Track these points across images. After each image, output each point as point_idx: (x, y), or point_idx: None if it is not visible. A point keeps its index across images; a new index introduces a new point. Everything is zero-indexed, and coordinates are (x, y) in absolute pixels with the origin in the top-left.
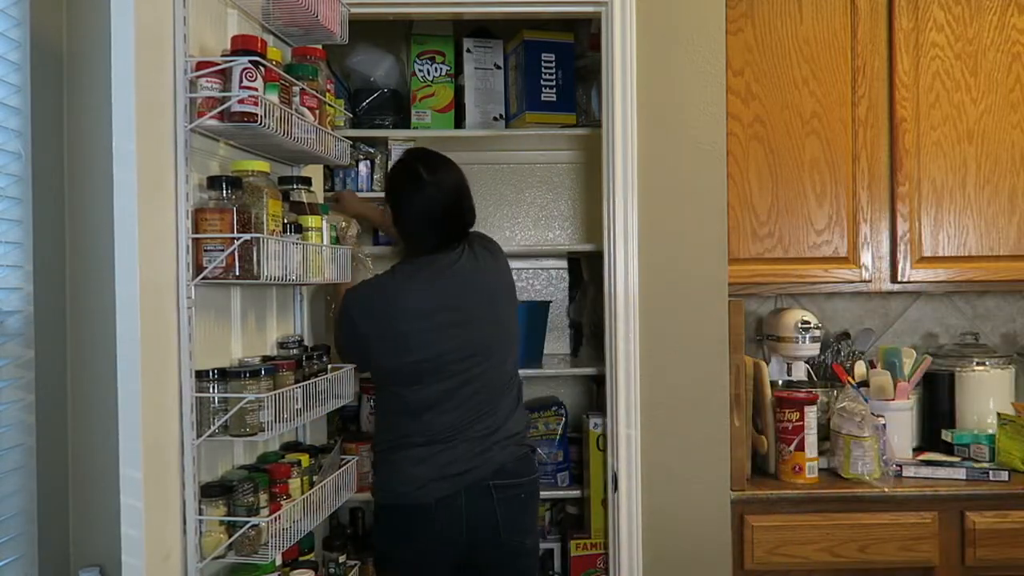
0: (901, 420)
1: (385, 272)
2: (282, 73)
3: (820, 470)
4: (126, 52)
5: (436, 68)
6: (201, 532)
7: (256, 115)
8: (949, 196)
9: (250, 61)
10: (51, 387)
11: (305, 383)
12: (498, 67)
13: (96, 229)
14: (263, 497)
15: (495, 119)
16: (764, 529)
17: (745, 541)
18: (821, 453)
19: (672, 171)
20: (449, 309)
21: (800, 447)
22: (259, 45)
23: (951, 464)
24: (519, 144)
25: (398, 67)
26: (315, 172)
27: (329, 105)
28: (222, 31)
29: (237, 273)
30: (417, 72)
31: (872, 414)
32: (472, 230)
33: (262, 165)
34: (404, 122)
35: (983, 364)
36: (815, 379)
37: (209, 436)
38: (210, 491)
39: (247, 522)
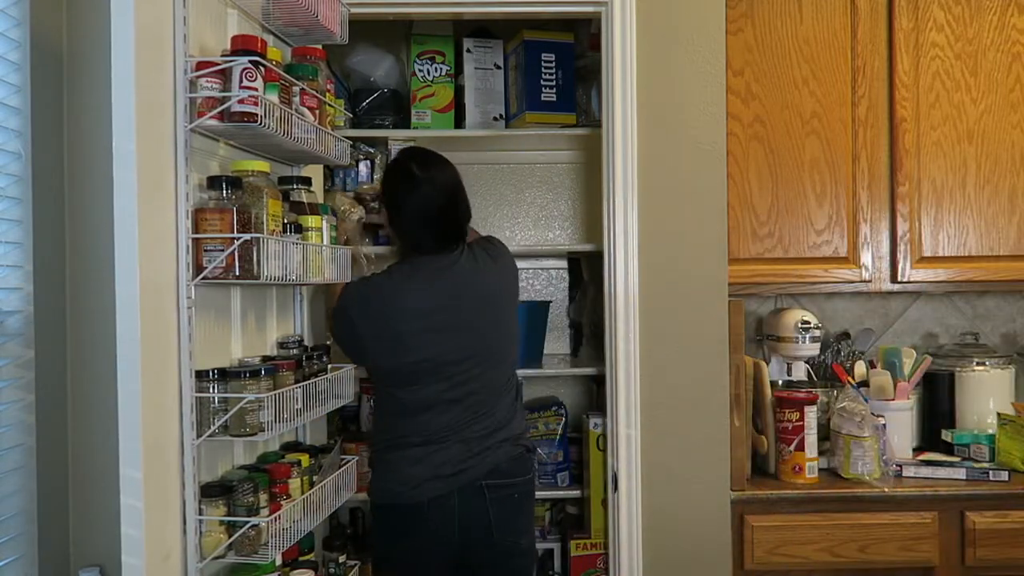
0: (901, 420)
1: (382, 272)
2: (282, 73)
3: (820, 470)
4: (126, 52)
5: (436, 68)
6: (201, 532)
7: (256, 115)
8: (949, 196)
9: (250, 61)
10: (51, 387)
11: (305, 383)
12: (498, 67)
13: (96, 229)
14: (263, 497)
15: (495, 119)
16: (764, 529)
17: (745, 541)
18: (821, 453)
19: (672, 171)
20: (446, 310)
21: (800, 447)
22: (259, 45)
23: (951, 464)
24: (519, 144)
25: (398, 67)
26: (315, 172)
27: (329, 105)
28: (222, 31)
29: (237, 273)
30: (417, 72)
31: (872, 414)
32: (482, 236)
33: (262, 165)
34: (404, 122)
35: (983, 364)
36: (815, 379)
37: (209, 436)
38: (210, 491)
39: (247, 522)
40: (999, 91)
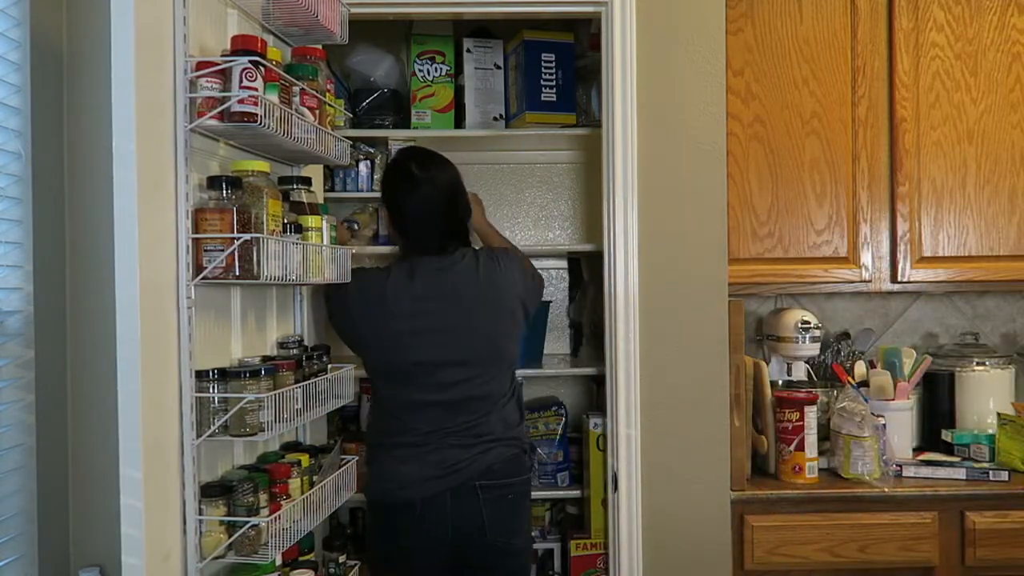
0: (901, 420)
1: (383, 268)
2: (282, 73)
3: (820, 470)
4: (126, 52)
5: (436, 68)
6: (201, 532)
7: (256, 115)
8: (949, 196)
9: (250, 61)
10: (51, 387)
11: (305, 383)
12: (498, 67)
13: (96, 229)
14: (263, 497)
15: (495, 119)
16: (764, 529)
17: (745, 541)
18: (821, 453)
19: (672, 171)
20: (443, 311)
21: (800, 447)
22: (259, 45)
23: (951, 464)
24: (519, 144)
25: (398, 67)
26: (315, 172)
27: (329, 105)
28: (222, 31)
29: (237, 273)
30: (417, 72)
31: (872, 414)
32: (502, 247)
33: (262, 165)
34: (404, 122)
35: (983, 364)
36: (815, 379)
37: (209, 436)
38: (210, 491)
39: (247, 522)
40: (999, 91)
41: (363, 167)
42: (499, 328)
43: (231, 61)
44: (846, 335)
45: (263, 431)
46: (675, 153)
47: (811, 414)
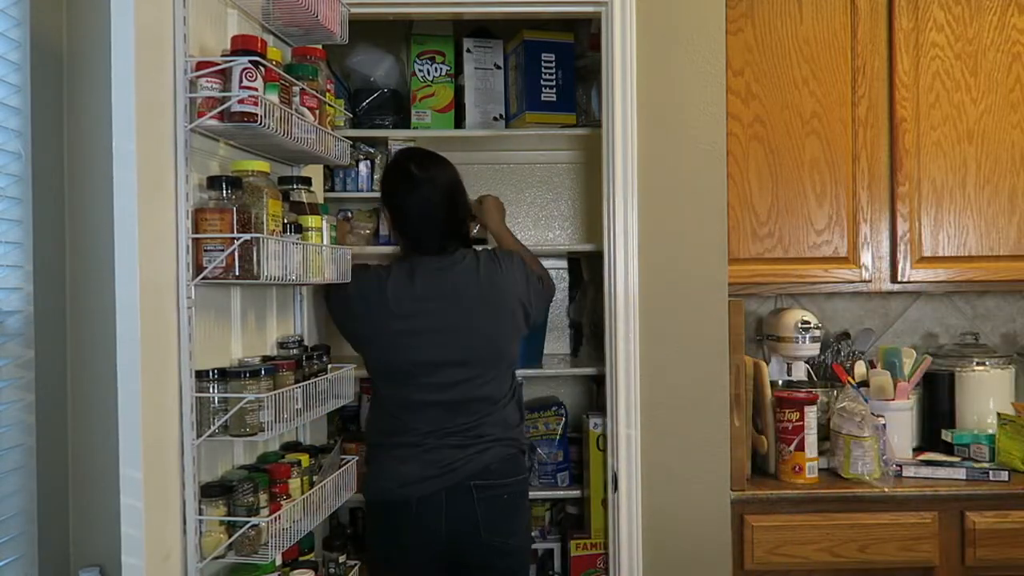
0: (901, 420)
1: (384, 266)
2: (282, 73)
3: (820, 470)
4: (126, 52)
5: (436, 68)
6: (201, 532)
7: (256, 115)
8: (949, 196)
9: (250, 61)
10: (51, 387)
11: (305, 383)
12: (498, 67)
13: (96, 229)
14: (263, 497)
15: (495, 119)
16: (764, 529)
17: (745, 541)
18: (821, 453)
19: (672, 171)
20: (441, 312)
21: (800, 447)
22: (259, 45)
23: (951, 464)
24: (519, 144)
25: (398, 67)
26: (315, 172)
27: (329, 105)
28: (222, 31)
29: (237, 273)
30: (417, 72)
31: (872, 414)
32: (504, 249)
33: (262, 165)
34: (404, 122)
35: (983, 364)
36: (815, 379)
37: (209, 436)
38: (210, 491)
39: (247, 522)
40: (999, 91)
41: (363, 167)
42: (499, 329)
43: (231, 61)
44: (846, 335)
45: (263, 431)
46: (675, 153)
47: (811, 414)
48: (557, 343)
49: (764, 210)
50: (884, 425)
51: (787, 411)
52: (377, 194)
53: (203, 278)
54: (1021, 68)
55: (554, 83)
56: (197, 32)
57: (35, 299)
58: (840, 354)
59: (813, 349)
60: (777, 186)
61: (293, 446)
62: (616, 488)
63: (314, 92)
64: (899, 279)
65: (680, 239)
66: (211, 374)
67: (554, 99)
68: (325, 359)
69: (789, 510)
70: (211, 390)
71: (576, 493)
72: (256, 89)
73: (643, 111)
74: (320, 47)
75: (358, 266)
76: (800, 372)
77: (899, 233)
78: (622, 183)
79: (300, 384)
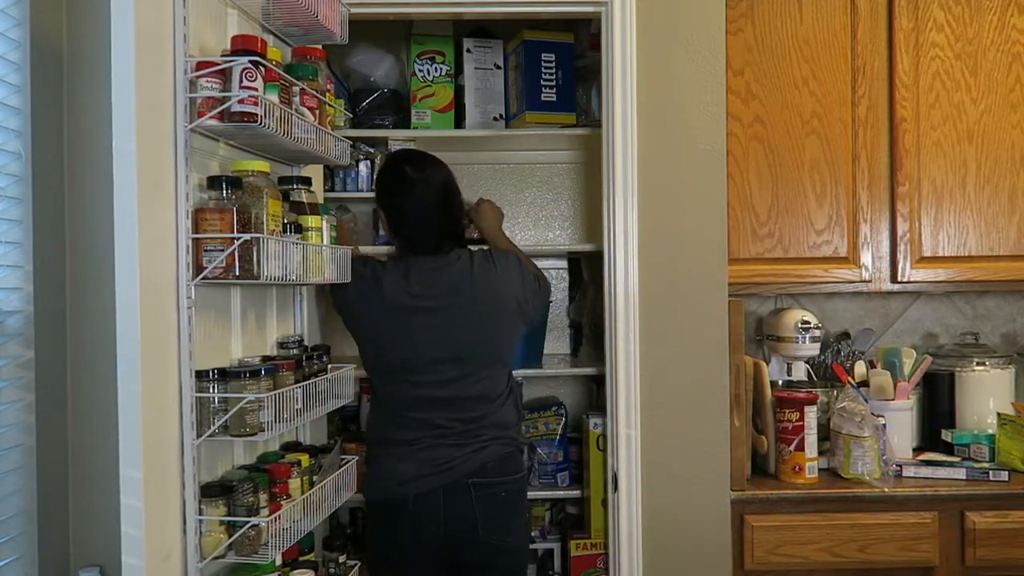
0: (901, 420)
1: (381, 262)
2: (282, 73)
3: (820, 470)
4: (126, 52)
5: (436, 68)
6: (201, 532)
7: (256, 115)
8: (949, 196)
9: (250, 61)
10: (51, 387)
11: (305, 383)
12: (498, 67)
13: (96, 229)
14: (263, 497)
15: (495, 119)
16: (764, 529)
17: (745, 541)
18: (821, 453)
19: (672, 171)
20: (437, 311)
21: (800, 447)
22: (259, 45)
23: (951, 464)
24: (519, 144)
25: (398, 67)
26: (315, 172)
27: (329, 105)
28: (222, 31)
29: (237, 273)
30: (417, 72)
31: (872, 414)
32: (501, 249)
33: (262, 165)
34: (404, 122)
35: (983, 364)
36: (815, 379)
37: (209, 436)
38: (210, 491)
39: (247, 522)
40: (999, 91)
41: (363, 167)
42: (494, 328)
43: (231, 61)
44: (846, 335)
45: (263, 431)
46: (675, 153)
47: (811, 414)
48: (557, 343)
49: (764, 210)
50: (884, 425)
51: (787, 411)
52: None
53: (203, 278)
54: (1021, 68)
55: (554, 83)
56: (197, 32)
57: (35, 299)
58: (840, 354)
59: (813, 349)
60: (777, 186)
61: (293, 446)
62: (616, 488)
63: (314, 92)
64: (899, 279)
65: (680, 239)
66: (211, 374)
67: (554, 99)
68: (325, 359)
69: (789, 510)
70: (211, 390)
71: (576, 493)
72: (256, 89)
73: (643, 111)
74: (320, 47)
75: (357, 259)
76: (800, 372)
77: (899, 233)
78: (622, 183)
79: (300, 384)
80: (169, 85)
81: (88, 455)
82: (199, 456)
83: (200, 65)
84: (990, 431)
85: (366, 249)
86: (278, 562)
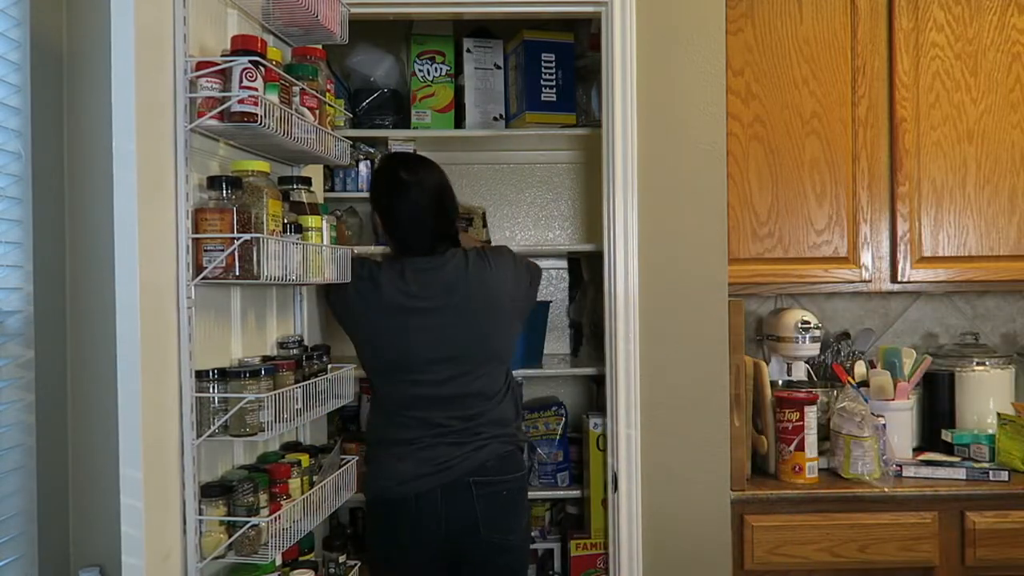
0: (901, 420)
1: (377, 263)
2: (282, 73)
3: (820, 470)
4: (126, 52)
5: (436, 68)
6: (201, 532)
7: (256, 115)
8: (949, 196)
9: (250, 61)
10: (51, 387)
11: (305, 383)
12: (498, 67)
13: (96, 229)
14: (263, 497)
15: (495, 119)
16: (764, 529)
17: (745, 541)
18: (821, 453)
19: (672, 171)
20: (433, 310)
21: (800, 447)
22: (259, 45)
23: (951, 464)
24: (519, 144)
25: (398, 67)
26: (315, 172)
27: (329, 105)
28: (222, 31)
29: (237, 273)
30: (417, 72)
31: (872, 414)
32: (493, 245)
33: (262, 165)
34: (404, 122)
35: (983, 364)
36: (815, 379)
37: (209, 436)
38: (210, 491)
39: (247, 522)
40: (999, 91)
41: (363, 167)
42: (490, 326)
43: (231, 61)
44: (846, 335)
45: (263, 431)
46: (675, 153)
47: (811, 414)
48: (557, 343)
49: (764, 210)
50: (884, 425)
51: (787, 411)
52: None
53: (203, 278)
54: (1021, 68)
55: (554, 83)
56: (197, 32)
57: (35, 299)
58: (840, 354)
59: (813, 349)
60: (777, 186)
61: (293, 446)
62: (616, 488)
63: (314, 92)
64: (899, 279)
65: (680, 239)
66: (211, 374)
67: (554, 99)
68: (325, 359)
69: (789, 510)
70: (211, 390)
71: (576, 493)
72: (256, 89)
73: (643, 111)
74: (320, 47)
75: (354, 261)
76: (800, 372)
77: (899, 233)
78: (622, 183)
79: (300, 384)
80: (169, 85)
81: (88, 455)
82: (199, 456)
83: (200, 65)
84: (990, 431)
85: (370, 250)
86: (278, 562)
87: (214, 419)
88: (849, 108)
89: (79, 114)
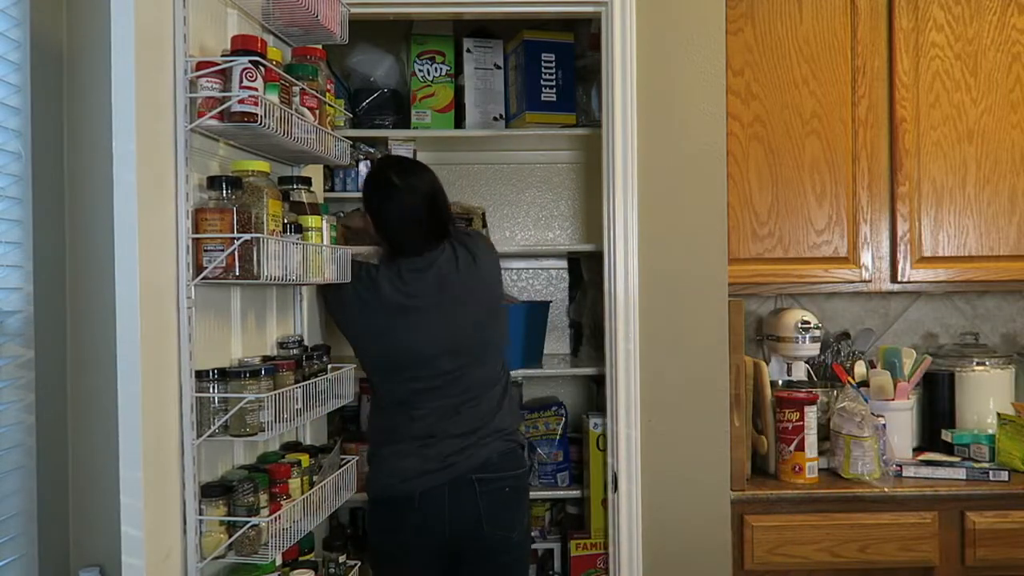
0: (901, 420)
1: (374, 264)
2: (282, 73)
3: (820, 470)
4: (126, 52)
5: (436, 68)
6: (201, 532)
7: (256, 115)
8: (949, 196)
9: (250, 61)
10: (51, 387)
11: (305, 383)
12: (498, 67)
13: (96, 229)
14: (263, 497)
15: (495, 119)
16: (764, 529)
17: (745, 541)
18: (821, 453)
19: (672, 171)
20: (429, 308)
21: (800, 447)
22: (259, 45)
23: (951, 464)
24: (519, 144)
25: (398, 67)
26: (315, 172)
27: (329, 105)
28: (222, 31)
29: (237, 273)
30: (417, 72)
31: (872, 414)
32: (464, 229)
33: (262, 165)
34: (404, 122)
35: (983, 364)
36: (815, 379)
37: (209, 436)
38: (210, 491)
39: (247, 522)
40: (999, 91)
41: (363, 167)
42: (484, 315)
43: (231, 61)
44: (846, 335)
45: (263, 431)
46: (675, 153)
47: (811, 414)
48: (557, 343)
49: (764, 210)
50: (884, 425)
51: (787, 411)
52: None
53: (203, 278)
54: (1021, 68)
55: (554, 83)
56: (197, 32)
57: (35, 299)
58: (840, 354)
59: (813, 349)
60: (777, 186)
61: (293, 446)
62: (616, 488)
63: (314, 92)
64: (899, 279)
65: (680, 239)
66: (211, 374)
67: (554, 99)
68: (325, 359)
69: (789, 510)
70: (211, 390)
71: (576, 493)
72: (256, 89)
73: (643, 111)
74: (320, 47)
75: (354, 262)
76: (800, 372)
77: (899, 233)
78: (622, 183)
79: (300, 384)
80: (169, 85)
81: (88, 455)
82: (199, 456)
83: (200, 65)
84: (990, 431)
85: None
86: (278, 562)
87: (214, 419)
88: (849, 108)
89: (79, 114)
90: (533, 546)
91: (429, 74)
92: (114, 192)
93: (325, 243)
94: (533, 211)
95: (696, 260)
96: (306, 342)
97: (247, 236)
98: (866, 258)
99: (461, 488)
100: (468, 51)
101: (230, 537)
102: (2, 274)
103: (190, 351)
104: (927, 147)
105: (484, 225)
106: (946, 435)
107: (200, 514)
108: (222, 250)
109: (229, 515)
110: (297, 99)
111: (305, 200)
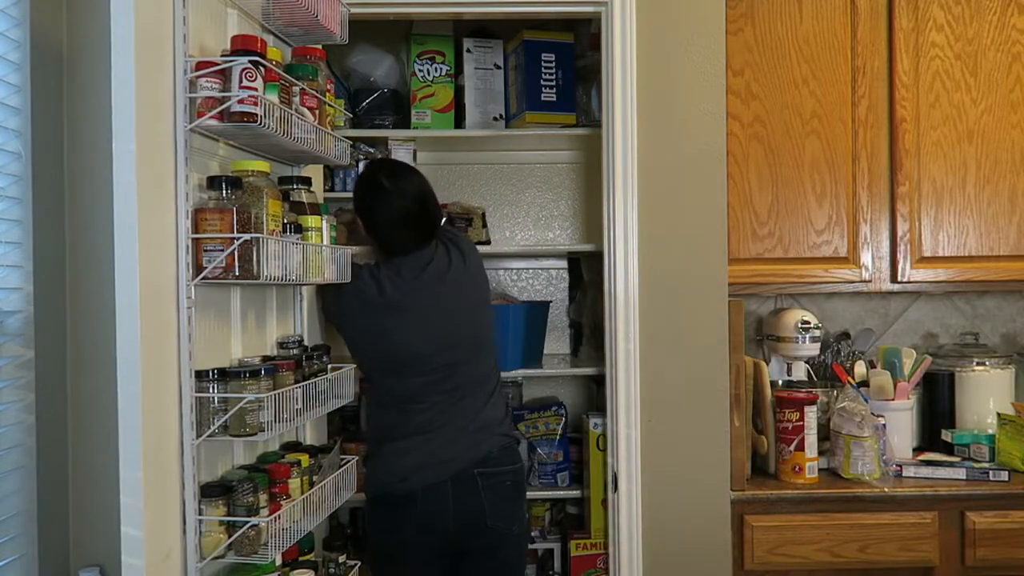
0: (901, 420)
1: (372, 265)
2: (282, 73)
3: (820, 470)
4: (126, 52)
5: (436, 68)
6: (201, 532)
7: (256, 115)
8: (949, 196)
9: (250, 61)
10: (51, 387)
11: (305, 383)
12: (498, 67)
13: (96, 229)
14: (263, 497)
15: (495, 119)
16: (764, 529)
17: (745, 541)
18: (821, 453)
19: (672, 171)
20: (424, 306)
21: (800, 447)
22: (259, 45)
23: (951, 464)
24: (519, 144)
25: (398, 67)
26: (315, 172)
27: (329, 105)
28: (222, 31)
29: (237, 273)
30: (417, 72)
31: (872, 414)
32: (447, 228)
33: (262, 165)
34: (404, 122)
35: (983, 364)
36: (815, 379)
37: (209, 436)
38: (210, 491)
39: (247, 522)
40: (999, 91)
41: (363, 167)
42: (478, 313)
43: (231, 61)
44: (846, 335)
45: (263, 431)
46: (675, 153)
47: (811, 414)
48: (557, 343)
49: (764, 210)
50: (884, 425)
51: (787, 411)
52: None
53: (203, 278)
54: (1021, 68)
55: (554, 83)
56: (197, 32)
57: (35, 299)
58: (840, 354)
59: (813, 349)
60: (777, 186)
61: (293, 446)
62: (616, 488)
63: (314, 92)
64: (899, 279)
65: (680, 239)
66: (211, 374)
67: (554, 99)
68: (325, 359)
69: (789, 510)
70: (211, 390)
71: (576, 493)
72: (256, 89)
73: (643, 111)
74: (320, 47)
75: (353, 264)
76: (800, 372)
77: (899, 233)
78: (622, 183)
79: (300, 384)
80: (169, 85)
81: (88, 455)
82: (199, 456)
83: (200, 65)
84: (990, 431)
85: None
86: (278, 562)
87: (214, 419)
88: (849, 108)
89: (79, 114)
90: (533, 546)
91: (429, 74)
92: (114, 192)
93: (325, 243)
94: (533, 211)
95: (696, 260)
96: (306, 342)
97: (247, 236)
98: (866, 258)
99: (463, 483)
100: (468, 51)
101: (230, 537)
102: (2, 274)
103: (190, 351)
104: (927, 147)
105: (484, 225)
106: (946, 435)
107: (200, 514)
108: (222, 250)
109: (229, 515)
110: (297, 99)
111: (305, 200)
